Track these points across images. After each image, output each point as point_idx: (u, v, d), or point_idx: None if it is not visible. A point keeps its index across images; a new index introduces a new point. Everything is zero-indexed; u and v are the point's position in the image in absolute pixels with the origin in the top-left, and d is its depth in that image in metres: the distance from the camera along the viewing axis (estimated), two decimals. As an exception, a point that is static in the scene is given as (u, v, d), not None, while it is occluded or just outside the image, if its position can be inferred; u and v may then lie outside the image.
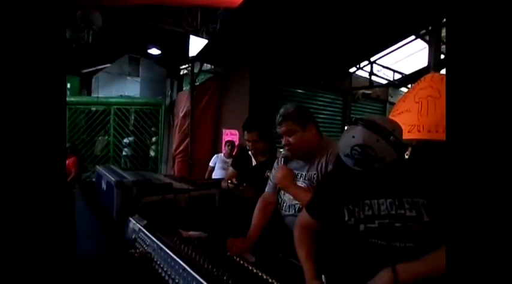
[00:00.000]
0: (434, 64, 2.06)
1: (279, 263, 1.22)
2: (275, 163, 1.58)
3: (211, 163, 4.05)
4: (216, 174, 3.86)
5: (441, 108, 1.89)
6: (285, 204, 1.42)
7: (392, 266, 0.86)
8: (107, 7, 4.82)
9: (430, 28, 3.17)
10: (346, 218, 1.03)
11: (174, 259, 0.87)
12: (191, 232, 1.24)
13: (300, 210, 1.34)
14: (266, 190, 1.52)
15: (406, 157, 0.90)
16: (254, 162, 1.86)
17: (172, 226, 1.24)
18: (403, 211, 0.92)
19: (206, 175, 4.03)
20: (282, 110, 1.37)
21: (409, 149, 0.93)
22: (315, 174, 1.34)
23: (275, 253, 1.29)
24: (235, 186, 1.67)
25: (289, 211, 1.40)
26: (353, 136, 0.88)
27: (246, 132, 1.76)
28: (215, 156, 4.09)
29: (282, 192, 1.44)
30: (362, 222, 1.00)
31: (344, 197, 1.04)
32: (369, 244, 0.98)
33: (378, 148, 0.86)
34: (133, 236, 1.12)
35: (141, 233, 1.09)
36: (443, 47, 5.69)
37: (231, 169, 2.05)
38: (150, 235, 1.03)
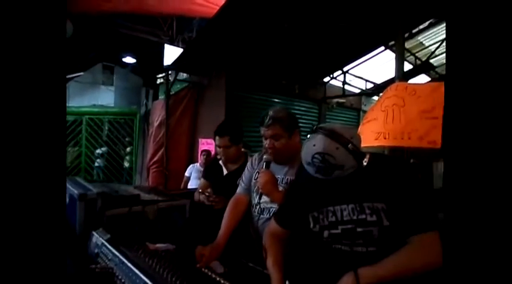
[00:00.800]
0: (399, 74, 2.15)
1: (248, 274, 1.21)
2: (248, 164, 1.58)
3: (186, 173, 3.99)
4: (191, 184, 3.81)
5: (405, 116, 1.98)
6: (258, 207, 1.42)
7: (354, 270, 0.88)
8: (78, 14, 4.70)
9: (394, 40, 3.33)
10: (312, 225, 1.05)
11: (136, 274, 0.84)
12: (158, 245, 1.21)
13: (273, 213, 1.34)
14: (237, 191, 1.52)
15: (365, 163, 0.92)
16: (225, 171, 1.85)
17: (139, 239, 1.20)
18: (364, 216, 0.95)
19: (182, 185, 3.96)
20: (271, 112, 1.36)
21: (368, 156, 0.96)
22: (291, 178, 1.35)
23: (244, 262, 1.29)
24: (207, 197, 1.65)
25: (263, 214, 1.40)
26: (314, 145, 0.90)
27: (217, 138, 1.76)
28: (191, 165, 4.04)
29: (256, 194, 1.43)
30: (326, 228, 1.02)
31: (309, 205, 1.06)
32: (333, 250, 1.01)
33: (338, 156, 0.88)
34: (96, 251, 1.08)
35: (103, 247, 1.05)
36: (410, 58, 5.97)
37: (202, 180, 2.03)
38: (112, 249, 1.00)
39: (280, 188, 1.35)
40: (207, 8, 4.63)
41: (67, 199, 1.44)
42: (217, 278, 1.05)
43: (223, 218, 1.43)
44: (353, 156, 0.89)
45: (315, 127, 0.96)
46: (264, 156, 1.38)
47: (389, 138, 2.03)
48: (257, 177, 1.41)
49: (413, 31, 4.94)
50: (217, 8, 3.68)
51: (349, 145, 0.89)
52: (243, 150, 1.90)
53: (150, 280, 0.79)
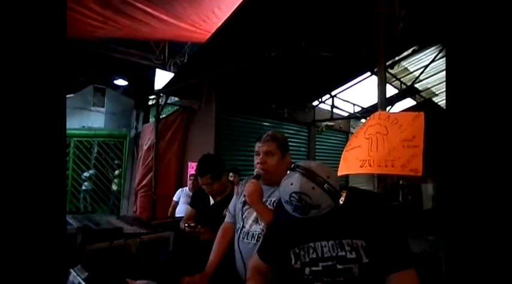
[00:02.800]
0: (382, 100, 2.21)
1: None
2: (235, 193, 1.59)
3: (175, 198, 3.94)
4: (180, 209, 3.75)
5: (389, 144, 2.01)
6: (243, 231, 1.41)
7: None
8: (70, 39, 4.77)
9: (375, 69, 3.46)
10: (293, 262, 1.06)
11: (111, 318, 0.82)
12: (138, 282, 1.18)
13: (259, 238, 1.34)
14: (225, 220, 1.54)
15: (342, 202, 0.94)
16: (212, 201, 1.85)
17: (120, 274, 1.18)
18: (344, 254, 0.96)
19: (170, 210, 3.90)
20: (270, 132, 1.45)
21: (345, 194, 0.98)
22: (276, 200, 1.36)
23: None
24: (192, 228, 1.64)
25: (246, 239, 1.39)
26: (291, 183, 0.91)
27: (199, 177, 1.78)
28: (179, 190, 3.99)
29: (240, 219, 1.44)
30: (307, 265, 1.02)
31: (290, 240, 1.06)
32: None
33: (314, 196, 0.89)
34: (72, 291, 1.05)
35: (80, 287, 1.02)
36: (396, 83, 6.16)
37: (189, 208, 2.02)
38: (89, 290, 0.98)
39: None
40: (198, 34, 4.76)
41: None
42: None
43: (212, 247, 1.45)
44: (329, 195, 0.91)
45: (293, 165, 0.98)
46: (255, 170, 1.40)
47: (374, 166, 2.05)
48: (243, 199, 1.41)
49: (398, 58, 5.12)
50: (208, 34, 3.79)
51: (325, 185, 0.90)
52: (230, 177, 1.91)
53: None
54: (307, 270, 1.02)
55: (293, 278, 1.07)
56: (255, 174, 1.41)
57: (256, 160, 1.42)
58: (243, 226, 1.41)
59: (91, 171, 5.99)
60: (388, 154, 2.10)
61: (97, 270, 1.13)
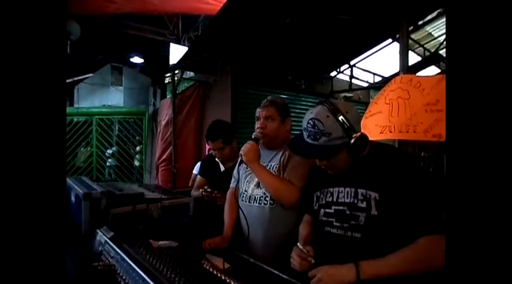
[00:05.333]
0: (403, 67, 2.11)
1: (251, 270, 1.22)
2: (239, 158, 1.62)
3: (194, 171, 4.01)
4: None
5: (410, 108, 1.94)
6: (245, 195, 1.47)
7: (355, 262, 0.88)
8: (85, 16, 4.78)
9: (397, 35, 3.27)
10: (314, 203, 1.13)
11: (136, 271, 0.86)
12: (161, 242, 1.23)
13: (260, 200, 1.38)
14: (231, 185, 1.59)
15: (354, 139, 0.96)
16: (222, 168, 1.87)
17: (143, 236, 1.23)
18: (355, 201, 0.98)
19: (190, 182, 3.99)
20: (270, 97, 1.50)
21: (369, 145, 1.00)
22: (276, 164, 1.42)
23: (246, 259, 1.30)
24: (209, 193, 1.67)
25: (249, 202, 1.44)
26: (311, 112, 0.99)
27: (210, 142, 1.79)
28: (199, 163, 4.06)
29: (242, 183, 1.50)
30: (322, 207, 1.08)
31: (315, 185, 1.15)
32: (325, 234, 1.04)
33: (326, 123, 0.95)
34: (99, 249, 1.11)
35: (107, 245, 1.08)
36: (419, 49, 5.84)
37: (198, 177, 2.06)
38: (115, 247, 1.02)
39: None
40: (210, 5, 4.65)
41: (73, 199, 1.47)
42: (219, 275, 1.06)
43: (224, 211, 1.52)
44: (342, 127, 0.95)
45: (320, 100, 1.05)
46: (253, 133, 1.43)
47: (394, 132, 2.00)
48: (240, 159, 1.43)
49: (421, 22, 4.83)
50: (220, 4, 3.68)
51: (340, 117, 0.95)
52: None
53: (150, 277, 0.81)
54: (322, 211, 1.08)
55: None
56: (252, 137, 1.42)
57: (257, 125, 1.46)
58: (245, 191, 1.47)
59: (114, 148, 6.19)
60: (409, 119, 2.03)
61: (121, 232, 1.18)
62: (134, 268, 0.87)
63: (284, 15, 3.08)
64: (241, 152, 1.40)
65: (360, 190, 0.98)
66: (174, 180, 4.36)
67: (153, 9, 4.98)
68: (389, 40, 5.16)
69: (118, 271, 0.93)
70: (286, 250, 1.23)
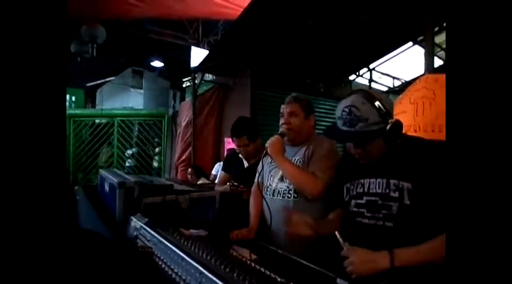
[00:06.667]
0: (428, 67, 2.10)
1: (278, 260, 1.24)
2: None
3: (213, 171, 4.08)
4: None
5: (436, 108, 1.92)
6: (269, 189, 1.50)
7: (389, 250, 0.89)
8: (109, 21, 4.96)
9: (423, 35, 3.24)
10: (344, 195, 1.14)
11: (174, 251, 0.89)
12: (191, 230, 1.27)
13: (284, 194, 1.40)
14: (255, 180, 1.62)
15: (390, 124, 0.97)
16: (246, 164, 1.90)
17: (173, 225, 1.27)
18: (387, 191, 0.99)
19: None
20: (293, 94, 1.53)
21: (402, 136, 1.01)
22: (301, 158, 1.44)
23: (274, 250, 1.32)
24: (235, 187, 1.70)
25: (273, 196, 1.47)
26: (345, 101, 1.01)
27: (235, 139, 1.83)
28: (217, 164, 4.12)
29: (266, 178, 1.53)
30: (353, 198, 1.09)
31: (345, 177, 1.15)
32: (356, 224, 1.05)
33: (362, 109, 0.96)
34: (135, 234, 1.15)
35: (142, 230, 1.12)
36: (441, 53, 5.74)
37: (222, 173, 2.09)
38: (151, 231, 1.06)
39: None
40: (230, 9, 4.74)
41: (107, 189, 1.53)
42: (248, 262, 1.08)
43: (250, 205, 1.57)
44: (378, 112, 0.96)
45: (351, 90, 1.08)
46: (280, 129, 1.47)
47: (419, 131, 1.98)
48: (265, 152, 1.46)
49: (444, 25, 4.75)
50: (240, 9, 3.76)
51: (376, 102, 0.96)
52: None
53: (188, 256, 0.84)
54: (352, 202, 1.09)
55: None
56: (279, 132, 1.46)
57: (281, 121, 1.49)
58: (270, 185, 1.50)
59: (133, 149, 6.32)
60: (435, 119, 2.01)
61: (153, 219, 1.22)
62: (172, 249, 0.90)
63: (306, 17, 3.11)
64: (266, 144, 1.43)
65: (392, 181, 0.99)
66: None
67: (174, 14, 5.13)
68: (410, 43, 5.11)
69: (155, 253, 0.96)
70: (310, 243, 1.25)
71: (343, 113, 0.99)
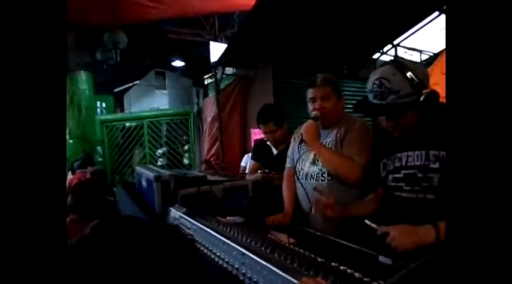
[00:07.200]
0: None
1: (316, 242, 1.24)
2: (292, 139, 1.64)
3: (242, 163, 4.10)
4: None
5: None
6: (301, 173, 1.49)
7: (433, 224, 0.86)
8: (128, 26, 5.09)
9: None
10: (381, 171, 1.11)
11: (215, 236, 0.92)
12: (228, 218, 1.30)
13: (318, 177, 1.39)
14: (286, 166, 1.62)
15: (424, 96, 0.93)
16: (275, 151, 1.90)
17: (209, 214, 1.30)
18: (427, 163, 0.95)
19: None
20: (321, 75, 1.46)
21: (438, 106, 0.95)
22: (333, 141, 1.42)
23: (313, 233, 1.31)
24: (267, 174, 1.71)
25: (306, 179, 1.46)
26: (376, 73, 0.97)
27: (261, 126, 1.82)
28: (246, 155, 4.15)
29: (298, 162, 1.51)
30: (391, 173, 1.06)
31: (381, 153, 1.13)
32: (394, 199, 1.02)
33: (393, 81, 0.92)
34: (175, 223, 1.19)
35: (182, 219, 1.16)
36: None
37: (252, 162, 2.10)
38: (190, 220, 1.10)
39: None
40: (245, 0, 4.70)
41: (144, 184, 1.60)
42: (288, 244, 1.09)
43: (283, 190, 1.57)
44: (410, 83, 0.91)
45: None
46: (313, 113, 1.43)
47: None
48: (299, 138, 1.47)
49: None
50: (255, -1, 3.72)
51: (407, 73, 0.91)
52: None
53: (230, 240, 0.86)
54: (390, 177, 1.06)
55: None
56: (311, 116, 1.42)
57: (312, 106, 1.43)
58: (302, 169, 1.48)
59: (163, 148, 6.51)
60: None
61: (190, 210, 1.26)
62: (213, 234, 0.92)
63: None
64: (301, 131, 1.42)
65: (431, 152, 0.95)
66: (224, 173, 4.50)
67: (191, 12, 5.17)
68: (436, 13, 4.81)
69: (197, 239, 0.99)
70: (348, 225, 1.23)
71: (374, 86, 0.96)
